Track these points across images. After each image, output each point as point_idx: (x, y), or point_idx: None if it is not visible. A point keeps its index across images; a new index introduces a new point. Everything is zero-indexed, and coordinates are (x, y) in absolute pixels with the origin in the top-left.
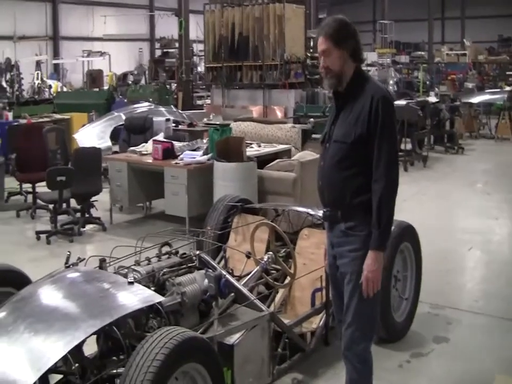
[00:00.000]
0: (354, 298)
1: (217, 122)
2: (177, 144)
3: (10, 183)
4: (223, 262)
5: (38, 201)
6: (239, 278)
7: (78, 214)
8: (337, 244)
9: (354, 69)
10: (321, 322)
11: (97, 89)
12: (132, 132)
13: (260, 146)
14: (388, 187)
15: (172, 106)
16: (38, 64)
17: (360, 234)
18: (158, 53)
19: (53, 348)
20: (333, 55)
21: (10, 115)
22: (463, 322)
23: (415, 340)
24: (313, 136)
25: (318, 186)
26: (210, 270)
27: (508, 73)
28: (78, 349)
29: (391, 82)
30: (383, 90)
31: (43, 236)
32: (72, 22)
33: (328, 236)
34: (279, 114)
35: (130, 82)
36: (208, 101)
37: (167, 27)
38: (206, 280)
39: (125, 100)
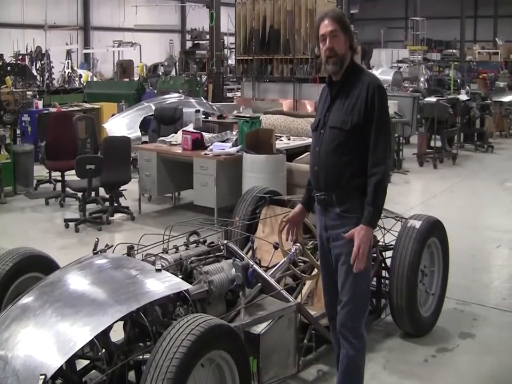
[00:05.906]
0: (349, 277)
1: (247, 115)
2: (206, 135)
3: (40, 171)
4: (250, 252)
5: (67, 189)
6: (266, 269)
7: (107, 203)
8: (332, 226)
9: (350, 58)
10: None
11: (127, 80)
12: (162, 122)
13: (289, 139)
14: (385, 171)
15: (202, 98)
16: (69, 53)
17: (354, 216)
18: (188, 44)
19: (80, 332)
20: (339, 38)
21: (40, 103)
22: (489, 319)
23: (440, 335)
24: None
25: (312, 171)
26: (238, 260)
27: None
28: (105, 335)
29: (422, 79)
30: (378, 80)
31: (72, 224)
32: (103, 12)
33: (320, 219)
34: (309, 108)
35: (160, 73)
36: (239, 94)
37: (198, 19)
38: (234, 270)
39: (155, 91)
